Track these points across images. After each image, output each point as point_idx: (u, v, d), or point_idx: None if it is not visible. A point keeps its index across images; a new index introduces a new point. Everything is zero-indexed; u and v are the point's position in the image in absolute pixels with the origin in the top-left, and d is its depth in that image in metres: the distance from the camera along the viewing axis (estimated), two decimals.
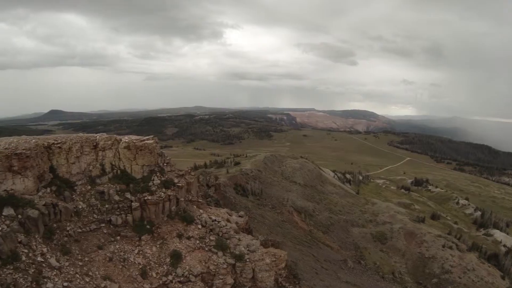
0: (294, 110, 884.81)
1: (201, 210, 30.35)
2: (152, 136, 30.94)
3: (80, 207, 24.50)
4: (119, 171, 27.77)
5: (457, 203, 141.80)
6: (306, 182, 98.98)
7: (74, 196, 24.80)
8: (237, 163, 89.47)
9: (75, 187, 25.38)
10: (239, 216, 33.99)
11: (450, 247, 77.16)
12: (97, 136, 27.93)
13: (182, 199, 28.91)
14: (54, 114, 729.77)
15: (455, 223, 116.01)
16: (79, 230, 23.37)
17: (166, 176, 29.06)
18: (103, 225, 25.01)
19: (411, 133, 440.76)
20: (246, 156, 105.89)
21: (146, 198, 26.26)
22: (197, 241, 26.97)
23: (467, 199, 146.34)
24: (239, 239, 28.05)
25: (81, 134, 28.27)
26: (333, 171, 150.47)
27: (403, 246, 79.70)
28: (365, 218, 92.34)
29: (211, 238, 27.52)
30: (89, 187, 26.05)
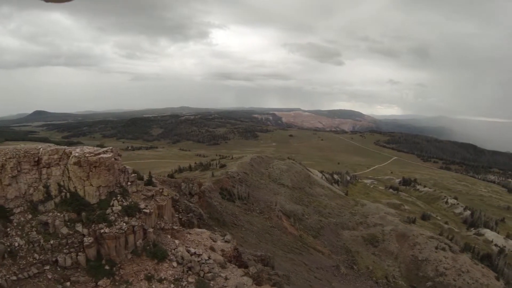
0: (280, 110, 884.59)
1: (176, 241, 24.13)
2: (111, 147, 24.51)
3: (17, 244, 18.57)
4: (68, 195, 21.46)
5: (446, 202, 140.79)
6: (294, 184, 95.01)
7: (9, 229, 18.90)
8: (222, 166, 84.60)
9: (12, 217, 19.46)
10: (225, 241, 28.23)
11: (443, 249, 74.83)
12: (40, 149, 21.63)
13: (151, 229, 22.70)
14: (38, 115, 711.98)
15: (446, 223, 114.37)
16: (14, 278, 17.48)
17: (130, 200, 22.88)
18: (47, 267, 18.94)
19: (397, 133, 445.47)
20: (232, 158, 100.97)
21: (102, 231, 20.20)
22: (172, 285, 20.56)
23: (456, 198, 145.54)
24: (226, 278, 22.29)
25: (19, 146, 22.05)
26: (321, 172, 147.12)
27: (395, 249, 76.89)
28: (356, 220, 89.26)
29: (190, 279, 21.24)
30: (30, 216, 19.99)
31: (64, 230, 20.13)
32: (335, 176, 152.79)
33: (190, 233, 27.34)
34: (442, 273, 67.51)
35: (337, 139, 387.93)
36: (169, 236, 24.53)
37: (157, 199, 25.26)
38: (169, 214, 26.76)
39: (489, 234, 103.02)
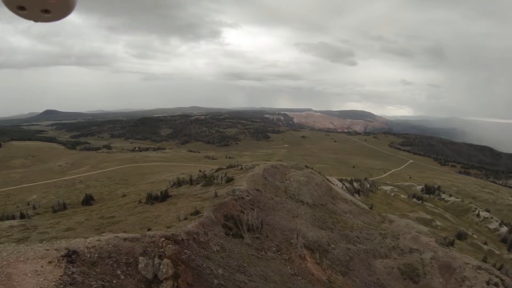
0: (291, 111, 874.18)
1: None
2: None
3: None
4: None
5: (478, 215, 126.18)
6: (315, 201, 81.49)
7: None
8: (229, 180, 70.48)
9: None
10: None
11: (496, 284, 60.54)
12: None
13: None
14: (49, 114, 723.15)
15: (485, 243, 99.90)
16: None
17: None
18: None
19: (411, 134, 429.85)
20: (242, 168, 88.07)
21: None
22: None
23: (488, 210, 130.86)
24: None
25: None
26: (340, 181, 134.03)
27: (440, 286, 62.93)
28: (387, 244, 75.36)
29: None
30: None
31: None
32: (355, 184, 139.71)
33: None
34: None
35: (350, 141, 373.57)
36: None
37: None
38: None
39: None
